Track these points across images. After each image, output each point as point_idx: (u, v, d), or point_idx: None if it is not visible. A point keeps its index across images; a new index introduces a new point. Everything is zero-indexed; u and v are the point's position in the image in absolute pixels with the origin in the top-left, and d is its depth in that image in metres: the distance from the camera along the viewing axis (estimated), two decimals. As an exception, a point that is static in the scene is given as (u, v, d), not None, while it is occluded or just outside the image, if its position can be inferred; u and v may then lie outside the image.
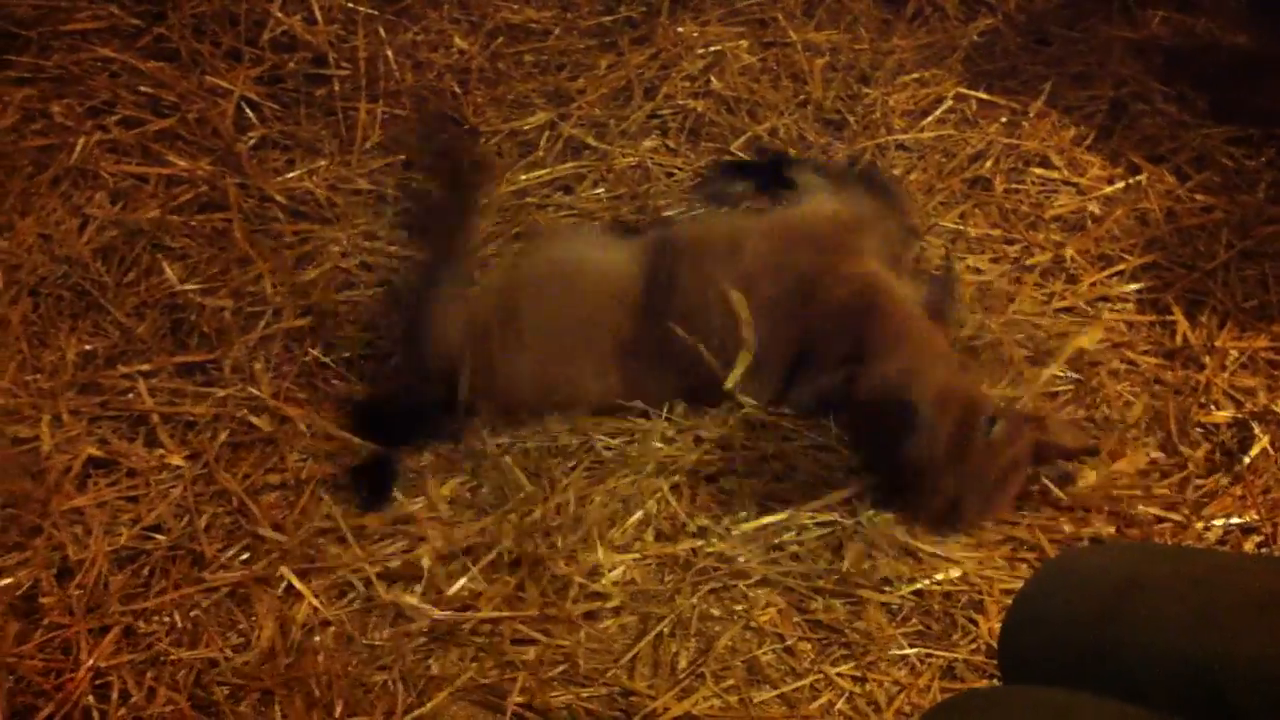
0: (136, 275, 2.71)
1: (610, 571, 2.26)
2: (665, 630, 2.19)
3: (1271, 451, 2.39)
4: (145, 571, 2.24)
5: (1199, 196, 2.99)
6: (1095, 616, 1.34)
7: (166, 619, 2.18)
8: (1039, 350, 2.64)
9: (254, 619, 2.17)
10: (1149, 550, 1.87)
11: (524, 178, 3.03)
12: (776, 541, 2.32)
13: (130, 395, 2.48)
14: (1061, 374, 2.60)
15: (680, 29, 3.45)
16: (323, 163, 3.00)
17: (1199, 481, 2.39)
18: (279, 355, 2.57)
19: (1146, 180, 3.02)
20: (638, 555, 2.29)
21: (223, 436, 2.42)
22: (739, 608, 2.23)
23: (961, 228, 2.93)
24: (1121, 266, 2.86)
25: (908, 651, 2.18)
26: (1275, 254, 2.83)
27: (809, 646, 2.19)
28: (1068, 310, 2.77)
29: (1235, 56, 3.34)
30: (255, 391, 2.48)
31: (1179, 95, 3.23)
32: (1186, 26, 3.42)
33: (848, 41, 3.42)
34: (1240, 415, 2.46)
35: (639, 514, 2.34)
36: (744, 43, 3.41)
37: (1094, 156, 3.12)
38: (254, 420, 2.45)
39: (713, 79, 3.28)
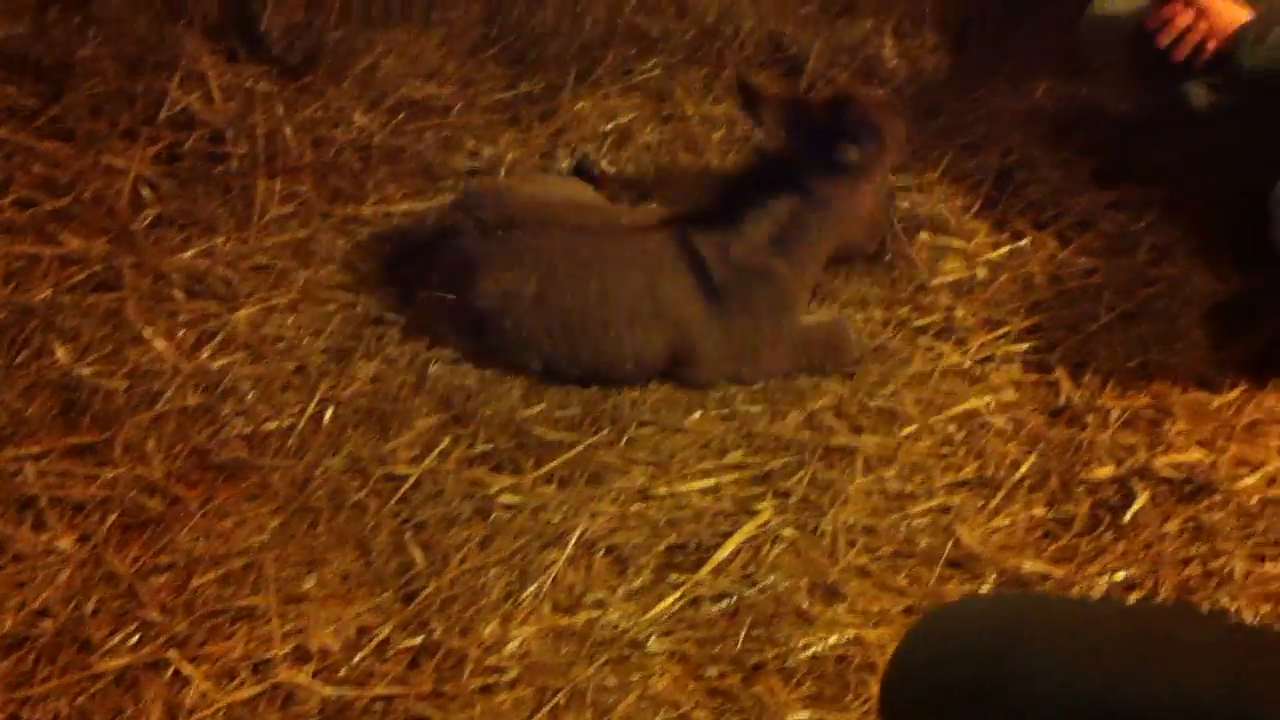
0: (27, 356, 2.68)
1: (506, 645, 2.26)
2: (561, 702, 2.19)
3: (1152, 507, 2.45)
4: (31, 658, 2.20)
5: (1082, 260, 3.08)
6: (979, 662, 1.36)
7: (52, 707, 2.14)
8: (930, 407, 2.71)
9: (141, 705, 2.13)
10: (1029, 599, 1.91)
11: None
12: (673, 610, 2.33)
13: (18, 478, 2.45)
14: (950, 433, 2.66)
15: (581, 103, 3.51)
16: (219, 239, 3.00)
17: (1083, 538, 2.44)
18: (172, 435, 2.56)
19: (1031, 245, 3.10)
20: (534, 627, 2.29)
21: (112, 518, 2.39)
22: (635, 677, 2.24)
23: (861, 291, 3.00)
24: (1007, 329, 2.93)
25: (802, 715, 2.20)
26: (1155, 314, 2.92)
27: (705, 714, 2.20)
28: (957, 372, 2.83)
29: (1119, 123, 3.45)
30: (146, 472, 2.46)
31: (1063, 162, 3.33)
32: (1071, 95, 3.53)
33: (744, 114, 3.49)
34: (1121, 472, 2.52)
35: (535, 585, 2.35)
36: (643, 115, 3.47)
37: (981, 222, 3.20)
38: (144, 501, 2.43)
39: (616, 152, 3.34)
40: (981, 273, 3.09)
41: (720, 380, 2.79)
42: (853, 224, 2.90)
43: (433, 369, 2.72)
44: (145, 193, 3.09)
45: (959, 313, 2.96)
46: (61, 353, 2.69)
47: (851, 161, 2.75)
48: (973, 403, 2.74)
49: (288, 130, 3.22)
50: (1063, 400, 2.74)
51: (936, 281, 3.05)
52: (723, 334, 2.78)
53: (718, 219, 2.81)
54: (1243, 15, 2.70)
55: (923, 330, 2.94)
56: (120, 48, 3.36)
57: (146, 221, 3.03)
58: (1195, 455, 2.54)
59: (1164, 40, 2.73)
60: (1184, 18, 2.70)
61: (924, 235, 3.15)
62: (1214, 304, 2.94)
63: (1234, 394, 2.71)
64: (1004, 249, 3.13)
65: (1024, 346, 2.88)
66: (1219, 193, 3.11)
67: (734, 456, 2.60)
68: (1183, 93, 3.06)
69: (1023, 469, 2.57)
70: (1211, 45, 2.72)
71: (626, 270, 2.76)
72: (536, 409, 2.67)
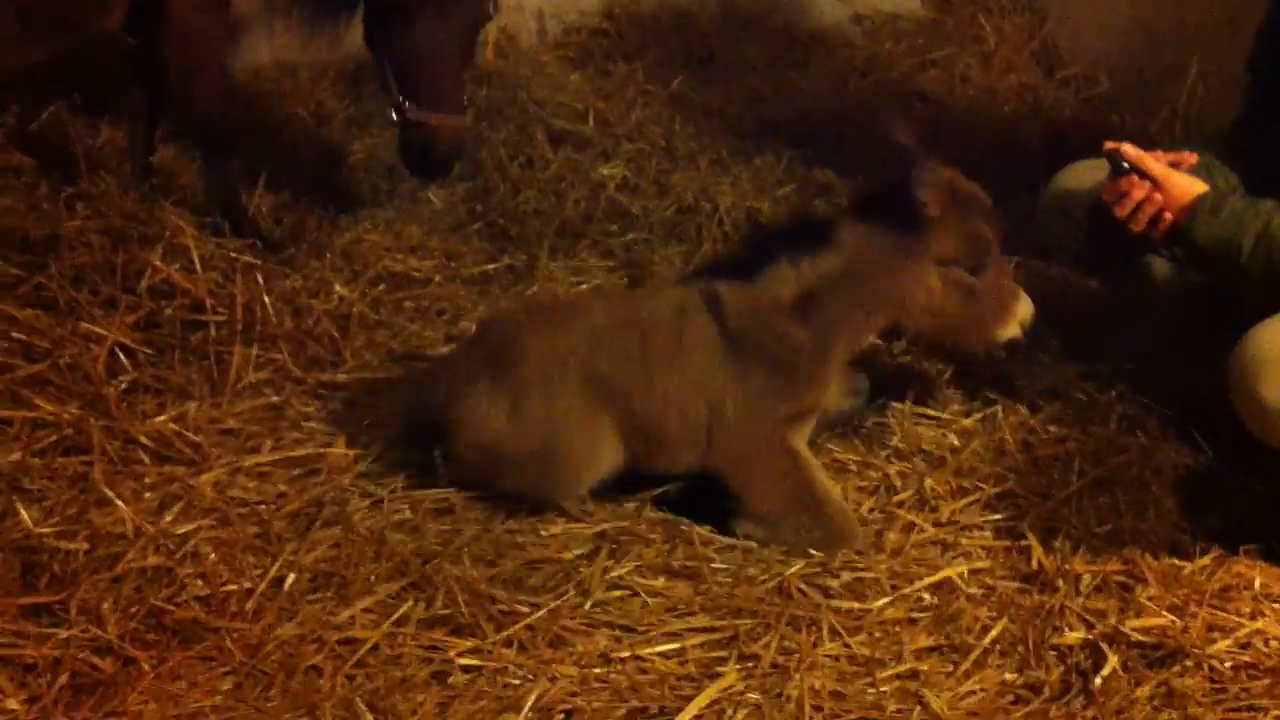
0: (-9, 518, 2.68)
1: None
2: None
3: (1123, 673, 2.40)
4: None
5: (1053, 428, 3.08)
6: None
7: None
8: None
9: None
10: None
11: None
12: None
13: (-30, 639, 2.41)
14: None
15: (556, 271, 3.58)
16: (192, 405, 3.02)
17: (1053, 703, 2.38)
18: (129, 596, 2.53)
19: (1002, 412, 3.11)
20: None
21: (63, 679, 2.35)
22: None
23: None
24: (979, 495, 2.92)
25: None
26: (1126, 482, 2.91)
27: None
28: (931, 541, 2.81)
29: (1086, 298, 3.50)
30: (100, 632, 2.43)
31: (1036, 336, 3.35)
32: (1041, 272, 3.58)
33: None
34: (1091, 637, 2.48)
35: (491, 754, 2.29)
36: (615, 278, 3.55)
37: (954, 390, 3.22)
38: (96, 661, 2.38)
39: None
40: (954, 440, 3.09)
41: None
42: (902, 303, 2.76)
43: (393, 535, 2.70)
44: (123, 359, 3.12)
45: (930, 481, 2.95)
46: (26, 514, 2.68)
47: (919, 205, 2.62)
48: (946, 572, 2.69)
49: (267, 299, 3.27)
50: (1034, 565, 2.71)
51: (910, 448, 3.05)
52: (741, 390, 2.74)
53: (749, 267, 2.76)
54: (1197, 188, 2.76)
55: (900, 501, 2.92)
56: (108, 221, 3.46)
57: (122, 387, 3.07)
58: (1166, 620, 2.49)
59: (1121, 213, 2.79)
60: (1139, 190, 2.76)
61: (899, 404, 3.17)
62: (1185, 472, 2.93)
63: (1205, 560, 2.68)
64: (976, 416, 3.14)
65: (997, 515, 2.86)
66: (1186, 364, 3.13)
67: (700, 619, 2.56)
68: (1144, 266, 3.11)
69: (993, 633, 2.52)
70: (1168, 217, 2.78)
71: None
72: (500, 571, 2.64)
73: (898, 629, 2.56)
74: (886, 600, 2.60)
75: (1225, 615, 2.53)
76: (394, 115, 3.62)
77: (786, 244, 2.77)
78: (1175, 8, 4.32)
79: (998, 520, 2.84)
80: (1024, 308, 2.83)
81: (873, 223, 2.71)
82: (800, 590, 2.63)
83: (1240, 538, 2.73)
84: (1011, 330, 2.84)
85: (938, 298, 2.76)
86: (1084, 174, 3.12)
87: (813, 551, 2.72)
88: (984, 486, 2.93)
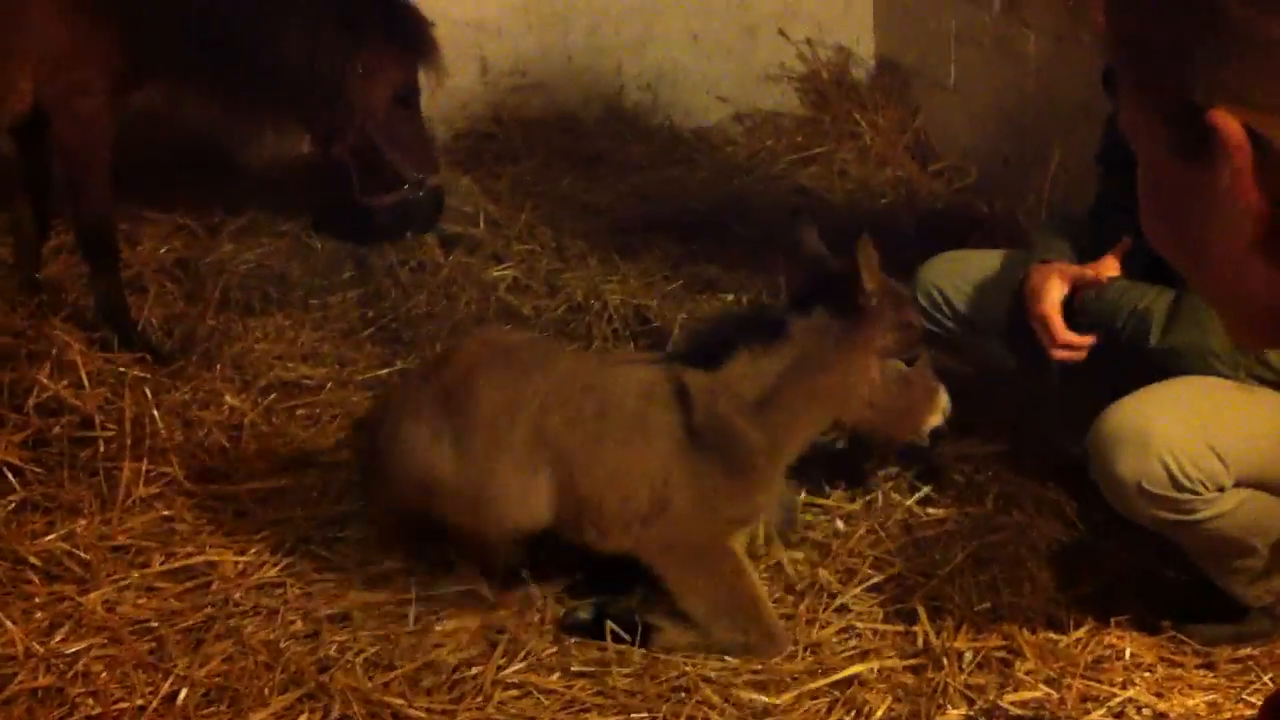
0: (-126, 647, 2.64)
1: None
2: None
3: (996, 746, 2.48)
4: None
5: (931, 510, 3.19)
6: None
7: None
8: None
9: None
10: None
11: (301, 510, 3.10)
12: None
13: None
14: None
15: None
16: (82, 522, 3.01)
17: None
18: (20, 718, 2.50)
19: (882, 497, 3.21)
20: None
21: (-50, 808, 2.32)
22: None
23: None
24: (867, 580, 2.99)
25: None
26: (1004, 559, 3.01)
27: None
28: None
29: (962, 382, 3.62)
30: (-14, 758, 2.40)
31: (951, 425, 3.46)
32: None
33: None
34: (972, 713, 2.55)
35: None
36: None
37: (836, 478, 3.31)
38: (-18, 789, 2.36)
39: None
40: (840, 525, 3.18)
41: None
42: (847, 398, 2.76)
43: (288, 646, 2.70)
44: (10, 478, 3.11)
45: (824, 571, 3.02)
46: (-90, 641, 2.65)
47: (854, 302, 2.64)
48: (854, 669, 2.70)
49: (156, 413, 3.28)
50: (920, 645, 2.78)
51: (797, 536, 3.12)
52: (694, 485, 2.73)
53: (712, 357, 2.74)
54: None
55: (800, 590, 2.97)
56: (-6, 340, 3.45)
57: (10, 507, 3.05)
58: (1042, 693, 2.58)
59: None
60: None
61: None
62: (1059, 547, 3.05)
63: (1080, 632, 2.77)
64: (859, 503, 3.23)
65: (884, 596, 2.94)
66: (1059, 442, 3.25)
67: (590, 717, 2.59)
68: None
69: (879, 714, 2.59)
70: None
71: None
72: (396, 675, 2.65)
73: (796, 716, 2.60)
74: (791, 695, 2.64)
75: (1099, 685, 2.62)
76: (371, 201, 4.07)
77: (744, 334, 2.76)
78: (1035, 100, 4.54)
79: (886, 601, 2.92)
80: (944, 397, 2.87)
81: (819, 316, 2.70)
82: (699, 689, 2.66)
83: (1111, 608, 2.83)
84: (936, 419, 2.86)
85: (877, 390, 2.76)
86: (947, 265, 3.26)
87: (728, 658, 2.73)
88: (872, 572, 3.01)
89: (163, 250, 4.30)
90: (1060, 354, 2.80)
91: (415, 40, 3.98)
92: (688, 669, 2.70)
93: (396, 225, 4.23)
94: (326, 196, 4.26)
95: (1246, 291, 0.91)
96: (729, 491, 2.78)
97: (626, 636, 2.76)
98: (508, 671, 2.68)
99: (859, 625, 2.88)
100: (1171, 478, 2.47)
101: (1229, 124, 0.85)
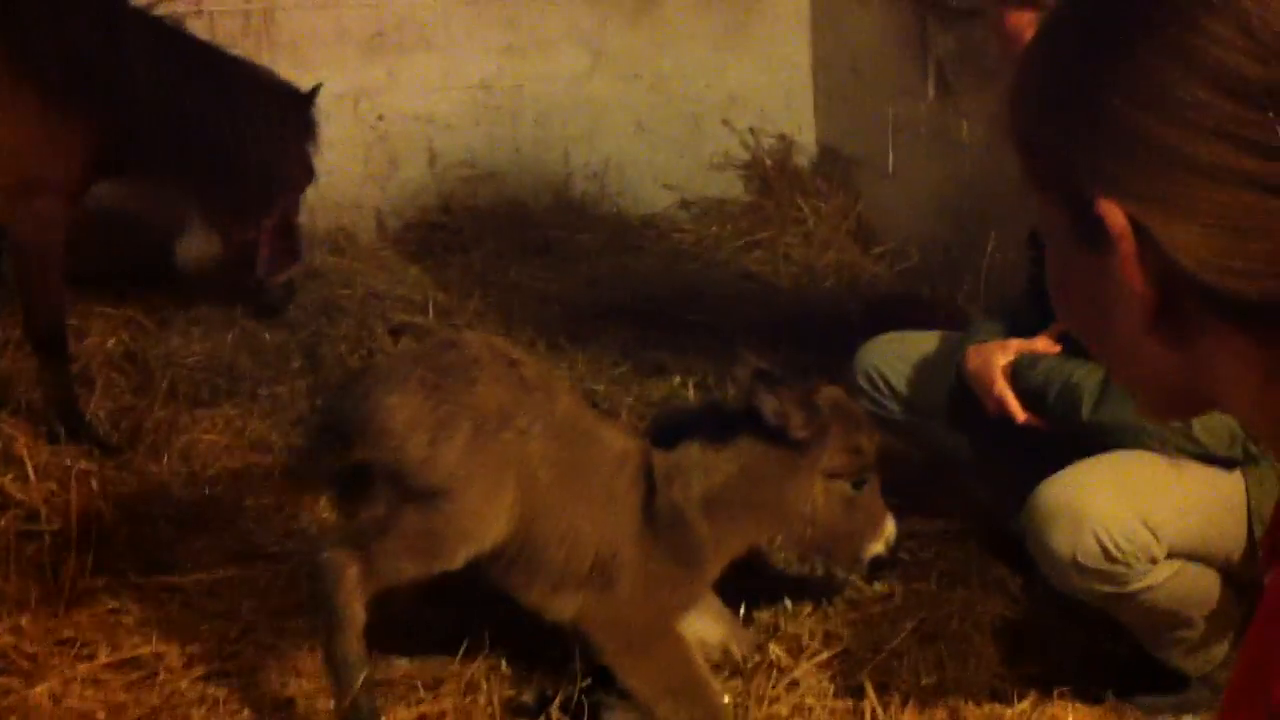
0: None
1: None
2: None
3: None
4: None
5: (877, 586, 3.22)
6: None
7: None
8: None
9: None
10: None
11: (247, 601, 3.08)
12: None
13: None
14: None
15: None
16: (26, 616, 2.99)
17: None
18: (-40, 818, 2.48)
19: (825, 574, 3.24)
20: None
21: None
22: None
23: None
24: (817, 656, 3.01)
25: None
26: (949, 635, 3.04)
27: None
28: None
29: (904, 461, 3.68)
30: None
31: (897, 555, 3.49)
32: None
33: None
34: (915, 789, 2.57)
35: None
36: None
37: (779, 552, 3.33)
38: None
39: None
40: (788, 603, 3.20)
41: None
42: (787, 514, 2.77)
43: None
44: (-47, 576, 3.09)
45: (775, 648, 3.04)
46: None
47: (769, 412, 2.64)
48: None
49: (103, 505, 3.27)
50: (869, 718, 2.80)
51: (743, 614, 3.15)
52: (643, 565, 2.71)
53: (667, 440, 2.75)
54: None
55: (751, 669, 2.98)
56: (-60, 435, 3.44)
57: (-46, 601, 3.02)
58: (984, 765, 2.61)
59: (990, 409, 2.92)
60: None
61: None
62: (1003, 622, 3.08)
63: (1024, 704, 2.80)
64: (805, 579, 3.26)
65: (832, 671, 2.96)
66: (996, 521, 3.31)
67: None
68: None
69: (828, 793, 2.61)
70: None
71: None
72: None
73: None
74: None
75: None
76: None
77: (699, 426, 2.78)
78: (971, 185, 4.66)
79: (834, 676, 2.94)
80: (890, 526, 2.88)
81: (765, 434, 2.71)
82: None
83: (1055, 681, 2.86)
84: (878, 547, 2.87)
85: (819, 509, 2.77)
86: (885, 346, 3.33)
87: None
88: (820, 647, 3.03)
89: (110, 343, 4.31)
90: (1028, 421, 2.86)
91: (315, 128, 4.27)
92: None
93: (288, 298, 4.52)
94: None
95: (1147, 369, 0.96)
96: (673, 578, 2.78)
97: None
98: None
99: (809, 701, 2.89)
100: (1104, 551, 2.53)
101: (1114, 214, 0.90)
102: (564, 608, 2.77)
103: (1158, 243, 0.89)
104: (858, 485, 2.81)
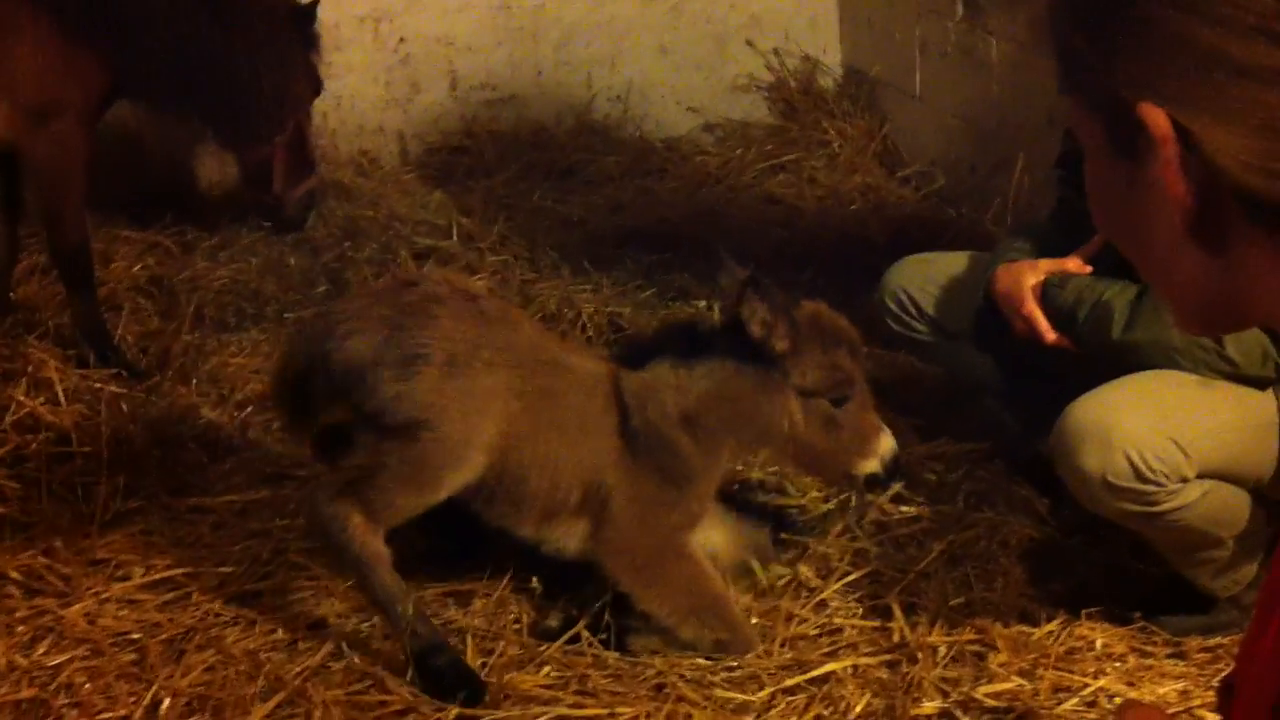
0: None
1: None
2: None
3: (976, 739, 2.51)
4: None
5: (904, 508, 3.23)
6: None
7: None
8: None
9: None
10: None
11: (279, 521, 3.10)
12: None
13: None
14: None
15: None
16: (60, 538, 3.02)
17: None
18: (3, 732, 2.52)
19: (854, 498, 3.25)
20: None
21: (-63, 821, 2.33)
22: None
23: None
24: (846, 577, 3.02)
25: None
26: (976, 555, 3.05)
27: None
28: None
29: (930, 383, 3.68)
30: (-31, 772, 2.42)
31: (886, 420, 3.51)
32: (889, 360, 3.76)
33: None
34: (947, 705, 2.59)
35: None
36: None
37: (811, 481, 3.34)
38: (-34, 804, 2.37)
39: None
40: (813, 525, 3.21)
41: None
42: (765, 429, 2.74)
43: (267, 655, 2.72)
44: (-11, 496, 3.12)
45: (804, 568, 3.05)
46: (-108, 658, 2.66)
47: (757, 320, 2.60)
48: (830, 666, 2.73)
49: (133, 428, 3.29)
50: (896, 640, 2.82)
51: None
52: (632, 488, 2.72)
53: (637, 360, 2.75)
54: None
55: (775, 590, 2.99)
56: (-31, 360, 3.46)
57: (-12, 523, 3.06)
58: (1016, 684, 2.62)
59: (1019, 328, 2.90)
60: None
61: (761, 496, 3.29)
62: (1030, 544, 3.09)
63: (1052, 625, 2.82)
64: (833, 502, 3.27)
65: (860, 592, 2.98)
66: (1023, 442, 3.30)
67: (576, 716, 2.61)
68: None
69: (857, 709, 2.62)
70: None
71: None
72: (374, 680, 2.67)
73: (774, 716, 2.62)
74: (768, 692, 2.65)
75: (1070, 676, 2.66)
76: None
77: (669, 344, 2.77)
78: (999, 106, 4.60)
79: (863, 597, 2.95)
80: (886, 444, 2.80)
81: (738, 350, 2.69)
82: (679, 689, 2.68)
83: (1082, 602, 2.87)
84: (871, 465, 2.79)
85: (799, 427, 2.72)
86: (913, 268, 3.31)
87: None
88: (849, 569, 3.04)
89: (136, 268, 4.33)
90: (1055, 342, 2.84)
91: (318, 40, 4.30)
92: (664, 669, 2.72)
93: (307, 212, 4.51)
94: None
95: (1185, 279, 0.95)
96: (666, 499, 2.77)
97: (600, 640, 2.78)
98: (486, 673, 2.70)
99: (837, 621, 2.91)
100: (1135, 470, 2.52)
101: (1157, 118, 0.89)
102: (563, 538, 2.79)
103: (1199, 146, 0.88)
104: (838, 403, 2.74)
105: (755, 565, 3.02)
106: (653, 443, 2.74)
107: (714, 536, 2.99)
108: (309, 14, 4.21)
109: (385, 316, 2.66)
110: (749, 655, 2.77)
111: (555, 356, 2.80)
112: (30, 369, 3.42)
